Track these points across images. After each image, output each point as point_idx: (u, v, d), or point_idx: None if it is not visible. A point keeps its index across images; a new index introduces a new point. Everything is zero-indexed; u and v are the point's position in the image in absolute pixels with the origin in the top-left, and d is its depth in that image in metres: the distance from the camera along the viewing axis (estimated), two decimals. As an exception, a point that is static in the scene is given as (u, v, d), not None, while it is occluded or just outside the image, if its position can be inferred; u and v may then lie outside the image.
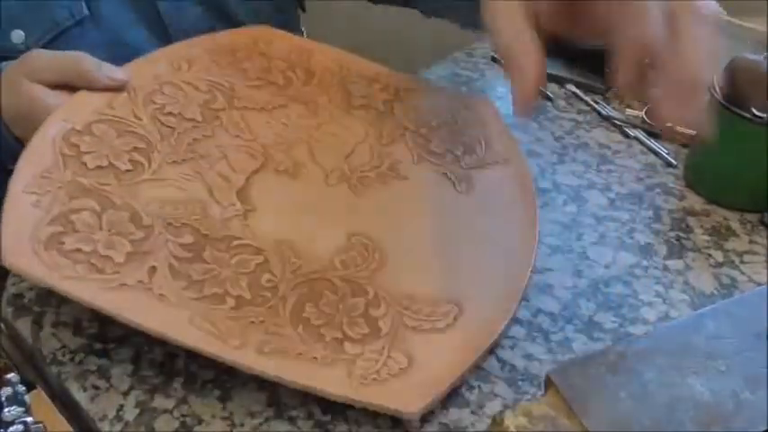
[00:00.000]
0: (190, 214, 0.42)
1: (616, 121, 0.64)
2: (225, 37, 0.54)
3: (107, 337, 0.40)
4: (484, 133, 0.54)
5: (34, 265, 0.36)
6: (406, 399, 0.36)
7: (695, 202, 0.55)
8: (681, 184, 0.57)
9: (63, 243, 0.38)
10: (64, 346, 0.40)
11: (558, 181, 0.56)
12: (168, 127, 0.47)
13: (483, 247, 0.46)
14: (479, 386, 0.40)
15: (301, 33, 0.72)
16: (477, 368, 0.40)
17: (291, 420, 0.37)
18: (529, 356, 0.42)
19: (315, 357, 0.37)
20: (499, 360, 0.41)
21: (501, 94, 0.67)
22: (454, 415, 0.38)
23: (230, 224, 0.43)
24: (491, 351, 0.41)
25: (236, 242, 0.42)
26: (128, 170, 0.43)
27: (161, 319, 0.36)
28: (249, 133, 0.49)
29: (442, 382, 0.37)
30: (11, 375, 0.39)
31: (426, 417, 0.38)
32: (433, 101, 0.56)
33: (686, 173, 0.57)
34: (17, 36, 0.53)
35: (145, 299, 0.37)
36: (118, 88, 0.46)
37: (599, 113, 0.64)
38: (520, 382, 0.40)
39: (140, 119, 0.46)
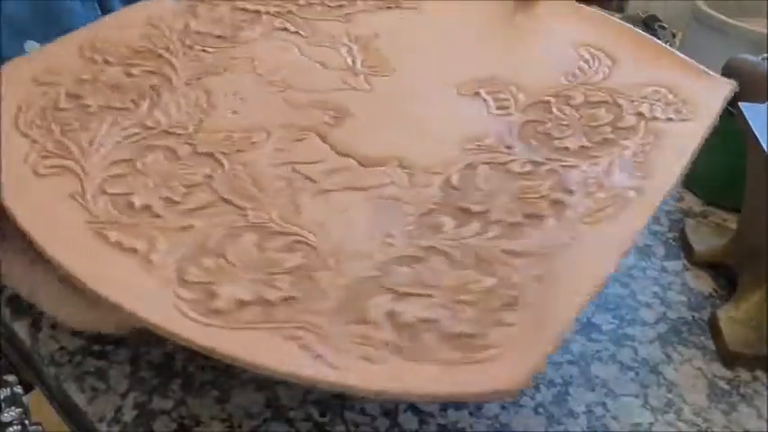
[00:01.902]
0: None
1: (614, 123, 0.64)
2: None
3: (105, 338, 0.40)
4: None
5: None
6: None
7: (693, 203, 0.56)
8: (679, 185, 0.57)
9: None
10: (62, 348, 0.40)
11: (557, 182, 0.56)
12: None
13: None
14: (477, 387, 0.40)
15: None
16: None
17: (289, 422, 0.37)
18: (527, 358, 0.41)
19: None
20: (497, 361, 0.41)
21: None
22: (452, 416, 0.38)
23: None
24: None
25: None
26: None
27: None
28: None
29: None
30: (9, 377, 0.39)
31: (424, 418, 0.38)
32: None
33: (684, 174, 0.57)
34: (30, 46, 0.55)
35: None
36: None
37: (597, 115, 0.64)
38: (518, 384, 0.40)
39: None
